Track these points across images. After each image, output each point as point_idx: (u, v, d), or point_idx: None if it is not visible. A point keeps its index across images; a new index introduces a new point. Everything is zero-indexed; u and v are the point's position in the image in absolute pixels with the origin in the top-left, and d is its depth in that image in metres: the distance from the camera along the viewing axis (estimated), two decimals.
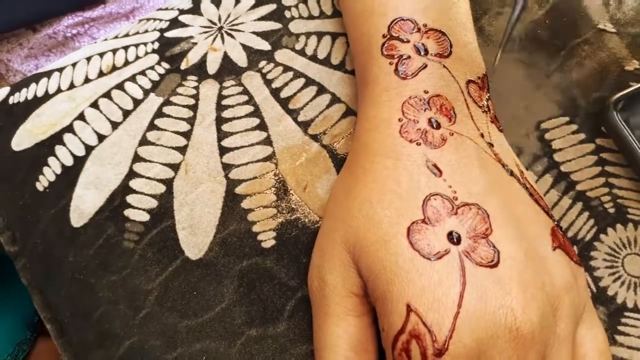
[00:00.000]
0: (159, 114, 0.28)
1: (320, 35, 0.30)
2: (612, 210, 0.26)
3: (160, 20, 0.32)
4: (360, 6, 0.25)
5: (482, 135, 0.22)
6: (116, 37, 0.33)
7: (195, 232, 0.26)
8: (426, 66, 0.23)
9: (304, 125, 0.28)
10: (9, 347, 0.40)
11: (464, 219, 0.20)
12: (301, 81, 0.29)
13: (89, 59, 0.31)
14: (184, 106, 0.28)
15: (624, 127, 0.26)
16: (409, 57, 0.23)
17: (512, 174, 0.22)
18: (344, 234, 0.21)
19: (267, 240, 0.25)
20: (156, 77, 0.29)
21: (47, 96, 0.31)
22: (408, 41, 0.23)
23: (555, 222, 0.22)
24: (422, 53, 0.23)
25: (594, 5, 0.30)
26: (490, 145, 0.22)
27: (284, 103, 0.28)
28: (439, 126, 0.22)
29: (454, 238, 0.19)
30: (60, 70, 0.31)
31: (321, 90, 0.29)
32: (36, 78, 0.32)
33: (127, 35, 0.32)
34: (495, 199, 0.20)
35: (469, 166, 0.21)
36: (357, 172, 0.22)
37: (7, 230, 0.29)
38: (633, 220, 0.26)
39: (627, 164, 0.26)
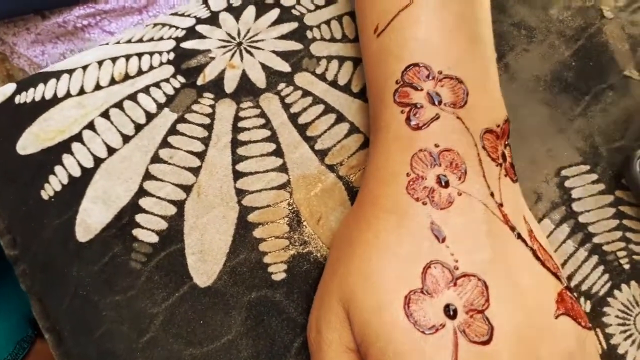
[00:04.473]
0: (173, 130, 0.28)
1: (341, 60, 0.29)
2: (627, 267, 0.26)
3: (177, 27, 0.31)
4: (377, 45, 0.24)
5: (492, 194, 0.21)
6: (129, 41, 0.32)
7: (205, 259, 0.25)
8: (439, 117, 0.22)
9: (321, 154, 0.27)
10: (10, 346, 0.39)
11: (462, 292, 0.19)
12: (320, 107, 0.28)
13: (100, 63, 0.30)
14: (199, 125, 0.28)
15: None
16: (421, 106, 0.22)
17: (519, 236, 0.21)
18: (341, 289, 0.21)
19: (278, 272, 0.25)
20: (171, 91, 0.29)
21: (55, 99, 0.30)
22: (422, 89, 0.23)
23: (565, 284, 0.22)
24: (436, 102, 0.22)
25: (621, 50, 0.30)
26: (500, 205, 0.22)
27: (301, 129, 0.28)
28: (447, 184, 0.21)
29: (450, 311, 0.19)
30: (70, 72, 0.30)
31: (340, 118, 0.28)
32: (44, 78, 0.31)
33: (140, 40, 0.31)
34: (498, 269, 0.20)
35: (474, 231, 0.21)
36: (361, 225, 0.22)
37: (8, 234, 0.29)
38: None
39: None
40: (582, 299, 0.25)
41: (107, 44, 0.32)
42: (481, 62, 0.24)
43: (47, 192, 0.28)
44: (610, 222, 0.26)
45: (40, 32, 0.42)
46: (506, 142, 0.24)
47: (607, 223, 0.26)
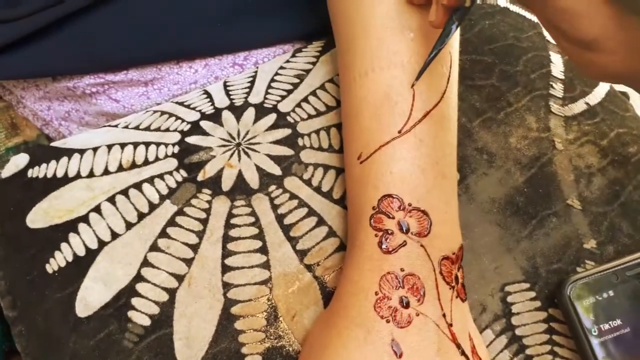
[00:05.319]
0: (172, 222, 0.31)
1: (326, 168, 0.33)
2: None
3: (183, 120, 0.35)
4: (360, 171, 0.29)
5: (444, 316, 0.26)
6: (137, 127, 0.35)
7: (190, 345, 0.29)
8: (406, 244, 0.27)
9: (301, 254, 0.31)
10: None
11: None
12: (304, 210, 0.32)
13: (109, 147, 0.34)
14: (195, 218, 0.31)
15: (572, 305, 0.30)
16: (392, 232, 0.27)
17: (463, 352, 0.26)
18: None
19: None
20: (173, 184, 0.32)
21: (66, 179, 0.33)
22: (393, 217, 0.27)
23: None
24: (404, 230, 0.27)
25: (567, 180, 0.34)
26: (450, 325, 0.26)
27: (286, 229, 0.31)
28: (408, 305, 0.25)
29: None
30: (81, 152, 0.34)
31: (320, 222, 0.32)
32: (56, 154, 0.34)
33: (148, 128, 0.35)
34: None
35: (427, 349, 0.25)
36: (332, 333, 0.26)
37: (8, 295, 0.31)
38: None
39: (570, 336, 0.31)
40: None
41: (116, 126, 0.36)
42: (446, 197, 0.28)
43: (51, 267, 0.31)
44: (542, 336, 0.31)
45: (49, 91, 0.45)
46: (459, 265, 0.28)
47: (539, 337, 0.31)
